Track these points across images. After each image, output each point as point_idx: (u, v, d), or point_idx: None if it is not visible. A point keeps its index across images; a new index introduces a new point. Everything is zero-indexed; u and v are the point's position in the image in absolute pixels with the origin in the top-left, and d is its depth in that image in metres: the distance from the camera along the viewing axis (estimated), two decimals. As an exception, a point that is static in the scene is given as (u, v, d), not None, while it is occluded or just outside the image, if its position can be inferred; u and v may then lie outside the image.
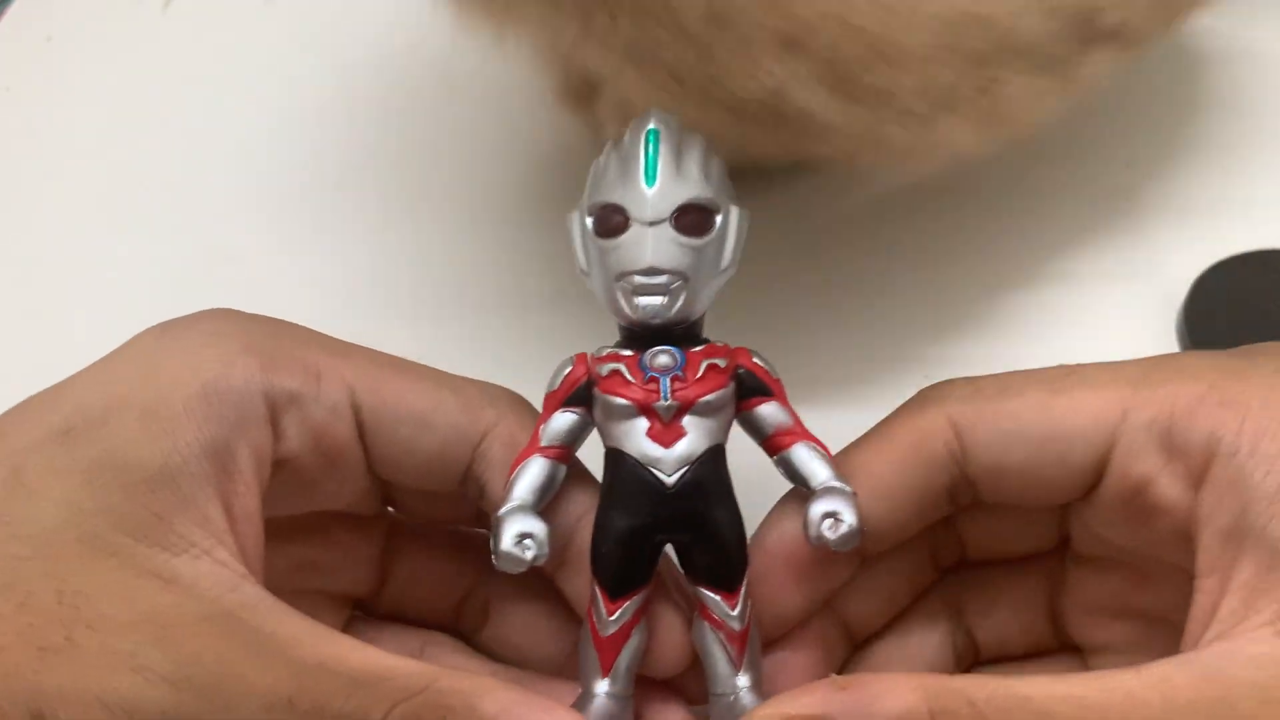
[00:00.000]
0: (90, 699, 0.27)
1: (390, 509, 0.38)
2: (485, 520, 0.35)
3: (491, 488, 0.34)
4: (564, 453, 0.34)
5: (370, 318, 0.37)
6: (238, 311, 0.35)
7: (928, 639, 0.37)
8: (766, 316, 0.47)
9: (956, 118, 0.43)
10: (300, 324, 0.35)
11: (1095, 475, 0.32)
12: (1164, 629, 0.33)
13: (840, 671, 0.36)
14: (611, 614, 0.32)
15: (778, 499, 0.35)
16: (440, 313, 0.52)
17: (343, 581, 0.38)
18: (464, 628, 0.39)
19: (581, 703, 0.33)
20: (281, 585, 0.30)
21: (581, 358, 0.34)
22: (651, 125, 0.33)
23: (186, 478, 0.30)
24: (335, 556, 0.37)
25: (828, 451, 0.34)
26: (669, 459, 0.32)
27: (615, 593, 0.32)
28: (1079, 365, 0.33)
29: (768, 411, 0.34)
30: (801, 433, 0.34)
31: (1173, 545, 0.31)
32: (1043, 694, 0.27)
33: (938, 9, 0.40)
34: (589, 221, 0.33)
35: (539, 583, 0.37)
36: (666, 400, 0.32)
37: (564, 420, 0.34)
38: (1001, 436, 0.32)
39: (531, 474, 0.33)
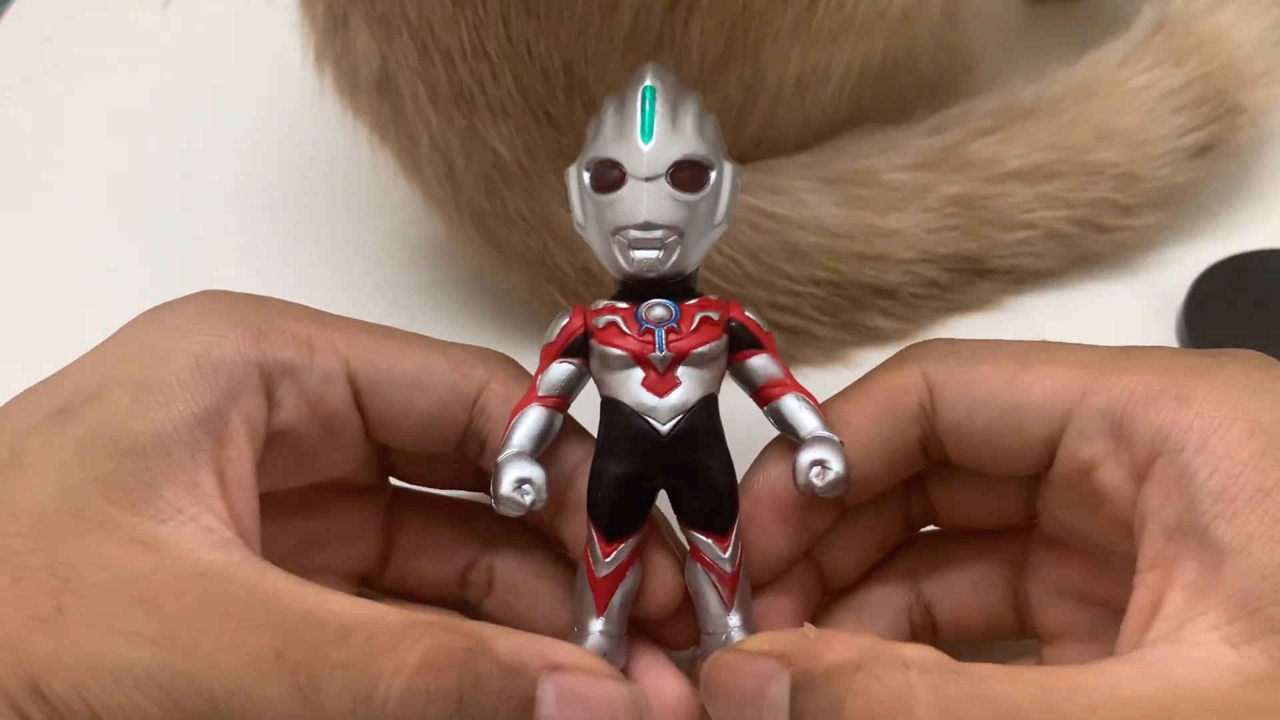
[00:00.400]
0: (80, 665, 0.28)
1: (391, 479, 0.39)
2: (486, 482, 0.35)
3: (492, 442, 0.35)
4: (561, 402, 0.34)
5: (373, 314, 0.37)
6: (227, 291, 0.35)
7: (886, 607, 0.37)
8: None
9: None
10: (290, 300, 0.35)
11: (1049, 452, 0.33)
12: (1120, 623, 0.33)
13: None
14: (607, 555, 0.33)
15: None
16: (457, 311, 0.52)
17: (348, 556, 0.38)
18: (470, 598, 0.39)
19: (576, 640, 0.34)
20: (288, 563, 0.30)
21: (579, 310, 0.35)
22: (648, 82, 0.34)
23: (177, 446, 0.31)
24: (338, 529, 0.38)
25: (816, 402, 0.34)
26: (663, 408, 0.33)
27: (610, 535, 0.33)
28: (1054, 343, 0.34)
29: (759, 364, 0.35)
30: (791, 384, 0.34)
31: (1117, 534, 0.32)
32: (988, 674, 0.27)
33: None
34: (586, 176, 0.34)
35: (542, 550, 0.38)
36: (662, 351, 0.33)
37: (561, 370, 0.34)
38: (967, 400, 0.33)
39: (529, 422, 0.34)
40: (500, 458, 0.33)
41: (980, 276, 0.49)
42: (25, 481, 0.30)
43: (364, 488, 0.38)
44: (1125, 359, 0.32)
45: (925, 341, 0.35)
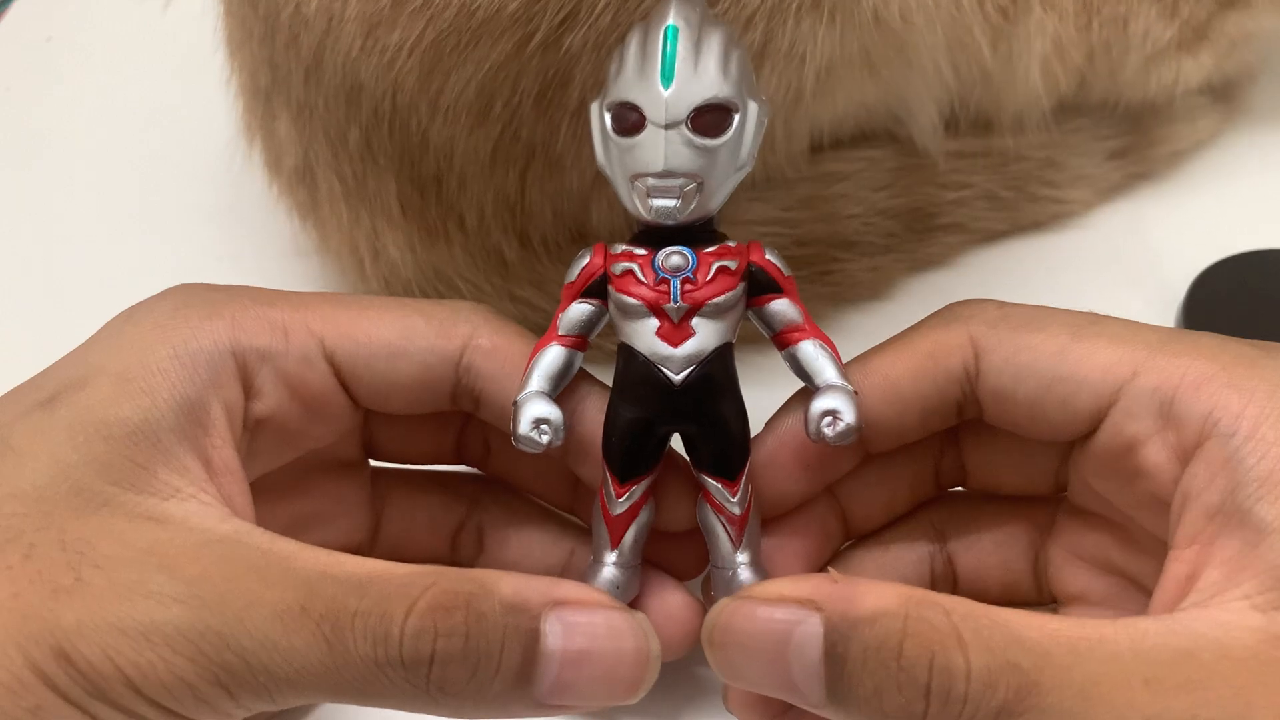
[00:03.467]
0: (108, 627, 0.28)
1: (372, 462, 0.39)
2: (466, 455, 0.38)
3: (486, 397, 0.35)
4: (580, 341, 0.34)
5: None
6: (201, 284, 0.35)
7: (907, 555, 0.37)
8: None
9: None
10: (258, 287, 0.35)
11: (1092, 425, 0.32)
12: (1139, 593, 0.34)
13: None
14: (619, 495, 0.33)
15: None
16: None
17: (338, 533, 0.38)
18: (461, 560, 0.39)
19: (592, 571, 0.34)
20: None
21: (599, 249, 0.34)
22: (670, 21, 0.32)
23: (164, 432, 0.31)
24: (327, 507, 0.38)
25: (834, 349, 0.34)
26: (677, 357, 0.33)
27: (623, 477, 0.33)
28: (1106, 317, 0.33)
29: (778, 308, 0.34)
30: (811, 329, 0.34)
31: (1149, 511, 0.32)
32: (1017, 619, 0.28)
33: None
34: (607, 118, 0.33)
35: (527, 505, 0.39)
36: (676, 302, 0.32)
37: (580, 310, 0.34)
38: (1015, 367, 0.33)
39: (547, 361, 0.34)
40: (518, 397, 0.33)
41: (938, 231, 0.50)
42: (18, 464, 0.30)
43: (348, 464, 0.38)
44: (1176, 342, 0.32)
45: (974, 301, 0.35)
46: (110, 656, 0.28)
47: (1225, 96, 0.53)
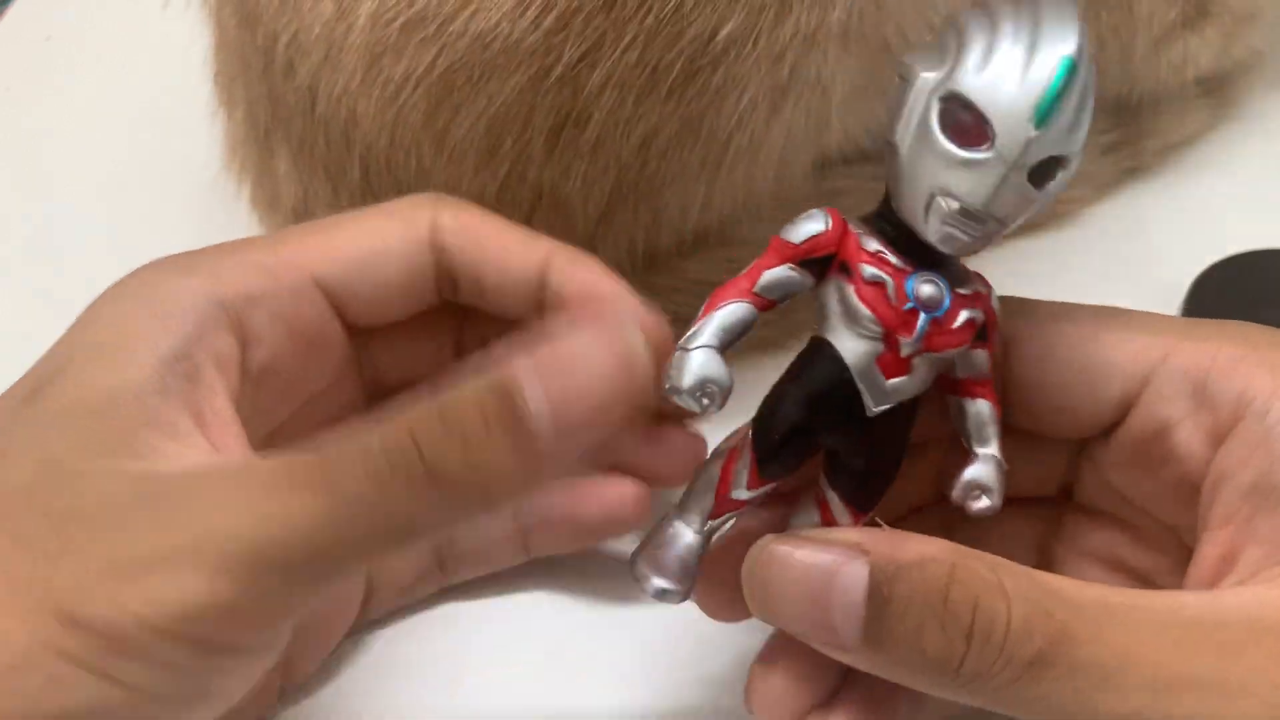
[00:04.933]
0: (105, 574, 0.26)
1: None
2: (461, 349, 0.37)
3: (464, 275, 0.34)
4: (770, 305, 0.30)
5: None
6: (171, 255, 0.34)
7: None
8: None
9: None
10: (235, 239, 0.35)
11: (1121, 412, 0.32)
12: (1149, 589, 0.33)
13: None
14: (752, 488, 0.31)
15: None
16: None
17: None
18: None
19: (668, 521, 0.31)
20: None
21: (839, 221, 0.30)
22: (1070, 51, 0.27)
23: (148, 392, 0.29)
24: None
25: (1001, 415, 0.32)
26: (883, 391, 0.29)
27: (767, 474, 0.30)
28: (1129, 309, 0.33)
29: (977, 358, 0.31)
30: (991, 389, 0.31)
31: (1173, 500, 0.32)
32: (1055, 580, 0.28)
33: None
34: (936, 105, 0.27)
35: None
36: (917, 342, 0.29)
37: (788, 278, 0.29)
38: (1042, 356, 0.32)
39: (730, 314, 0.29)
40: (690, 344, 0.29)
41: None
42: (6, 467, 0.29)
43: (350, 414, 0.37)
44: (1202, 328, 0.32)
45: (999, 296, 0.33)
46: (119, 604, 0.26)
47: (1216, 90, 0.53)
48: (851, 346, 0.29)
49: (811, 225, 0.29)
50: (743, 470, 0.31)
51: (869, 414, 0.29)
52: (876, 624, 0.27)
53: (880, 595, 0.27)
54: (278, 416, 0.34)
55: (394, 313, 0.35)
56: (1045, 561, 0.36)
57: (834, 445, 0.31)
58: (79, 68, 0.63)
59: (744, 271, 0.30)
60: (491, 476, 0.27)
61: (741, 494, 0.31)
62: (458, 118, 0.37)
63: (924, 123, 0.28)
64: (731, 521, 0.32)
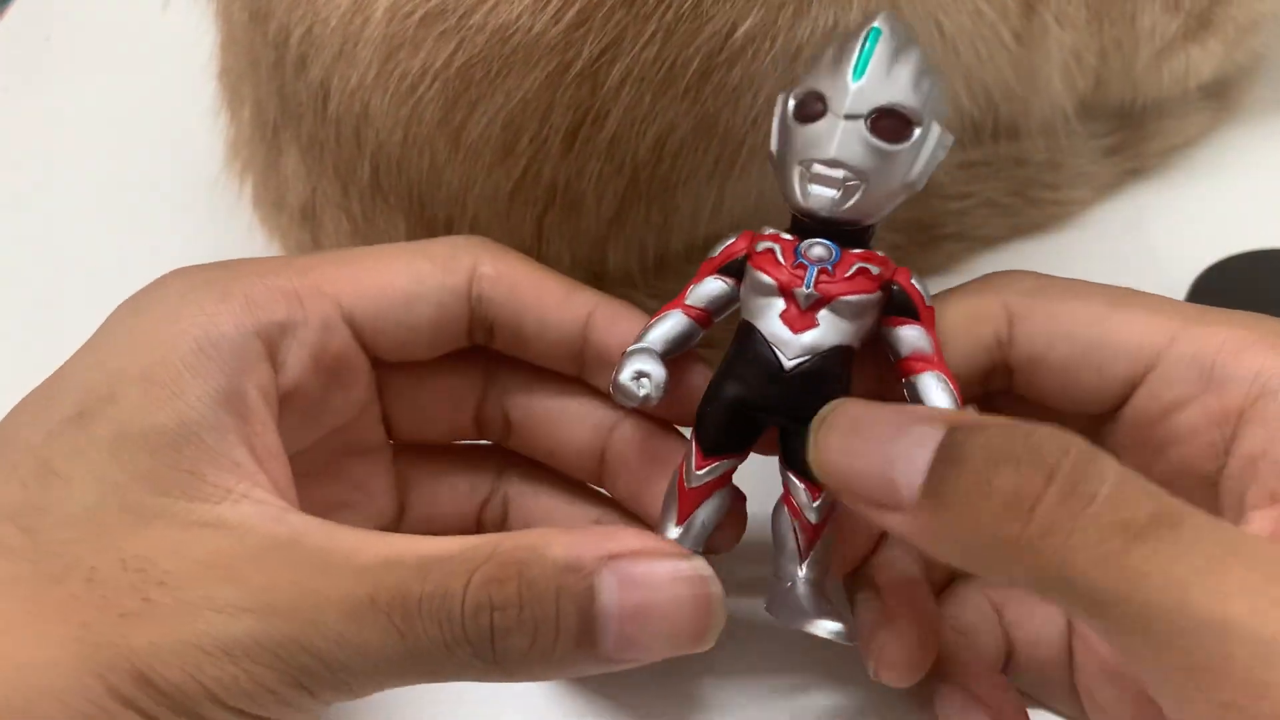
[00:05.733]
0: (183, 646, 0.27)
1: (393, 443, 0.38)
2: (486, 428, 0.36)
3: (499, 325, 0.34)
4: (704, 316, 0.33)
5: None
6: (196, 266, 0.34)
7: None
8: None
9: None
10: (256, 257, 0.35)
11: (1125, 392, 0.32)
12: None
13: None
14: (700, 469, 0.32)
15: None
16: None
17: (367, 516, 0.37)
18: (488, 529, 0.38)
19: None
20: None
21: (746, 234, 0.33)
22: (876, 24, 0.32)
23: (206, 430, 0.30)
24: (354, 491, 0.37)
25: (957, 389, 0.32)
26: (793, 344, 0.31)
27: (707, 450, 0.32)
28: (1141, 291, 0.33)
29: (909, 334, 0.32)
30: (938, 363, 0.32)
31: (1180, 481, 0.31)
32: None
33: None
34: (791, 104, 0.32)
35: (551, 474, 0.37)
36: (808, 289, 0.31)
37: (712, 286, 0.33)
38: (1051, 332, 0.32)
39: (667, 324, 0.33)
40: (628, 348, 0.32)
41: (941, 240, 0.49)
42: (65, 489, 0.29)
43: (370, 447, 0.37)
44: (1213, 314, 0.32)
45: (1010, 271, 0.34)
46: (191, 674, 0.27)
47: (1218, 94, 0.52)
48: (760, 313, 0.32)
49: (726, 240, 0.33)
50: (690, 459, 0.32)
51: (785, 369, 0.31)
52: (940, 471, 0.26)
53: (952, 447, 0.26)
54: (298, 443, 0.34)
55: (422, 353, 0.35)
56: None
57: (774, 422, 0.32)
58: (79, 68, 0.62)
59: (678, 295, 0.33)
60: (547, 669, 0.28)
61: (695, 480, 0.32)
62: (474, 114, 0.36)
63: (784, 120, 0.32)
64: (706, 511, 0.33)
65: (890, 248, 0.46)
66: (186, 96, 0.58)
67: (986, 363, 0.33)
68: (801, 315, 0.31)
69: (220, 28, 0.45)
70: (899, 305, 0.32)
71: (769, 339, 0.31)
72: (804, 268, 0.31)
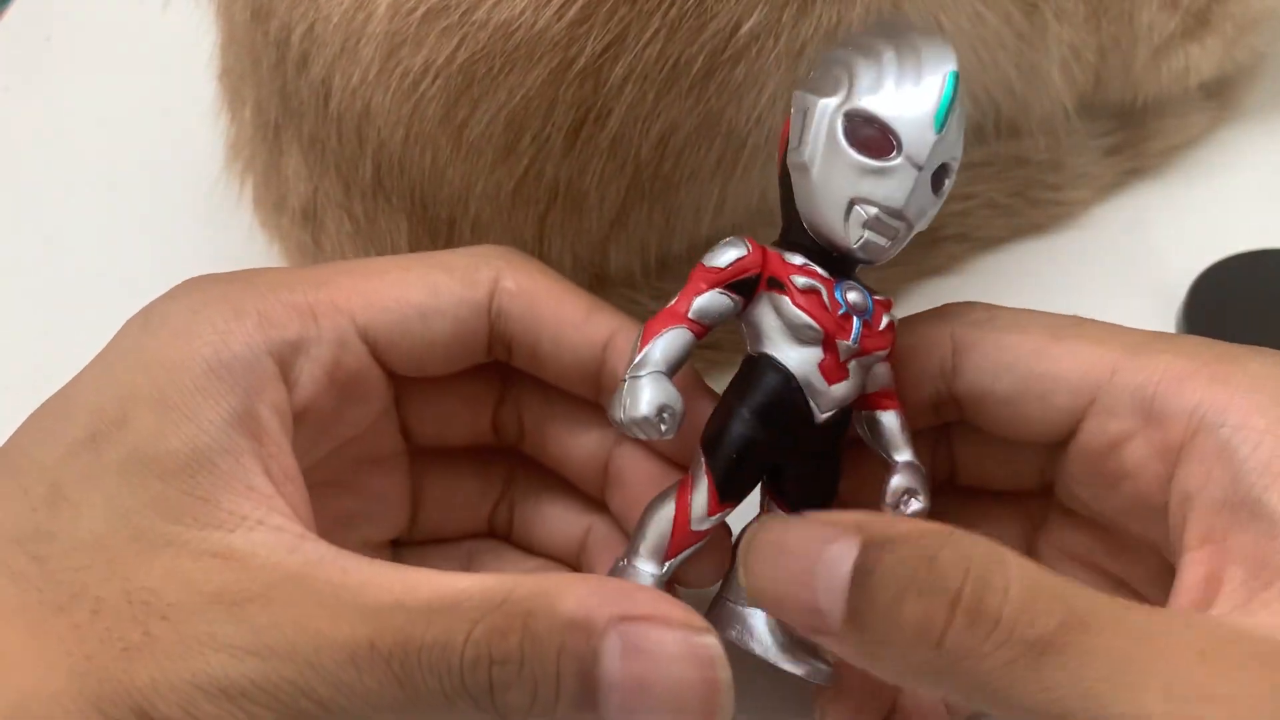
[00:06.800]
0: (183, 685, 0.27)
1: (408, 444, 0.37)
2: (502, 432, 0.36)
3: (518, 341, 0.33)
4: (704, 331, 0.31)
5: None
6: (208, 277, 0.33)
7: None
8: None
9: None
10: (269, 267, 0.33)
11: (1070, 424, 0.31)
12: (1132, 597, 0.32)
13: None
14: (713, 513, 0.31)
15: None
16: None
17: (380, 526, 0.37)
18: (498, 530, 0.38)
19: (627, 573, 0.31)
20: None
21: (759, 248, 0.31)
22: (953, 67, 0.30)
23: (219, 454, 0.29)
24: (369, 502, 0.36)
25: (907, 423, 0.32)
26: (828, 396, 0.30)
27: (727, 495, 0.31)
28: (1088, 320, 0.32)
29: (881, 371, 0.32)
30: (895, 398, 0.32)
31: (1134, 513, 0.31)
32: (1068, 579, 0.26)
33: None
34: (840, 122, 0.30)
35: (554, 480, 0.36)
36: (854, 343, 0.30)
37: (720, 302, 0.31)
38: (994, 365, 0.32)
39: (671, 342, 0.30)
40: (639, 372, 0.30)
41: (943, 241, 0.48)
42: (75, 514, 0.28)
43: (387, 455, 0.36)
44: (1155, 342, 0.31)
45: (964, 303, 0.34)
46: (190, 712, 0.27)
47: (1218, 93, 0.52)
48: (794, 356, 0.30)
49: (734, 250, 0.31)
50: (700, 498, 0.31)
51: (817, 421, 0.30)
52: (859, 597, 0.25)
53: (865, 568, 0.25)
54: (311, 458, 0.33)
55: (439, 368, 0.34)
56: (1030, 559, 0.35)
57: (781, 462, 0.31)
58: (79, 68, 0.62)
59: (673, 301, 0.31)
60: None
61: (703, 524, 0.31)
62: (477, 111, 0.36)
63: (831, 141, 0.29)
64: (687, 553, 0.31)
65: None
66: (187, 97, 0.58)
67: (933, 393, 0.33)
68: (838, 366, 0.30)
69: (221, 27, 0.45)
70: None
71: (804, 389, 0.30)
72: (850, 319, 0.30)
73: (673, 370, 0.30)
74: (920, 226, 0.31)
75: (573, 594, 0.27)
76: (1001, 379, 0.32)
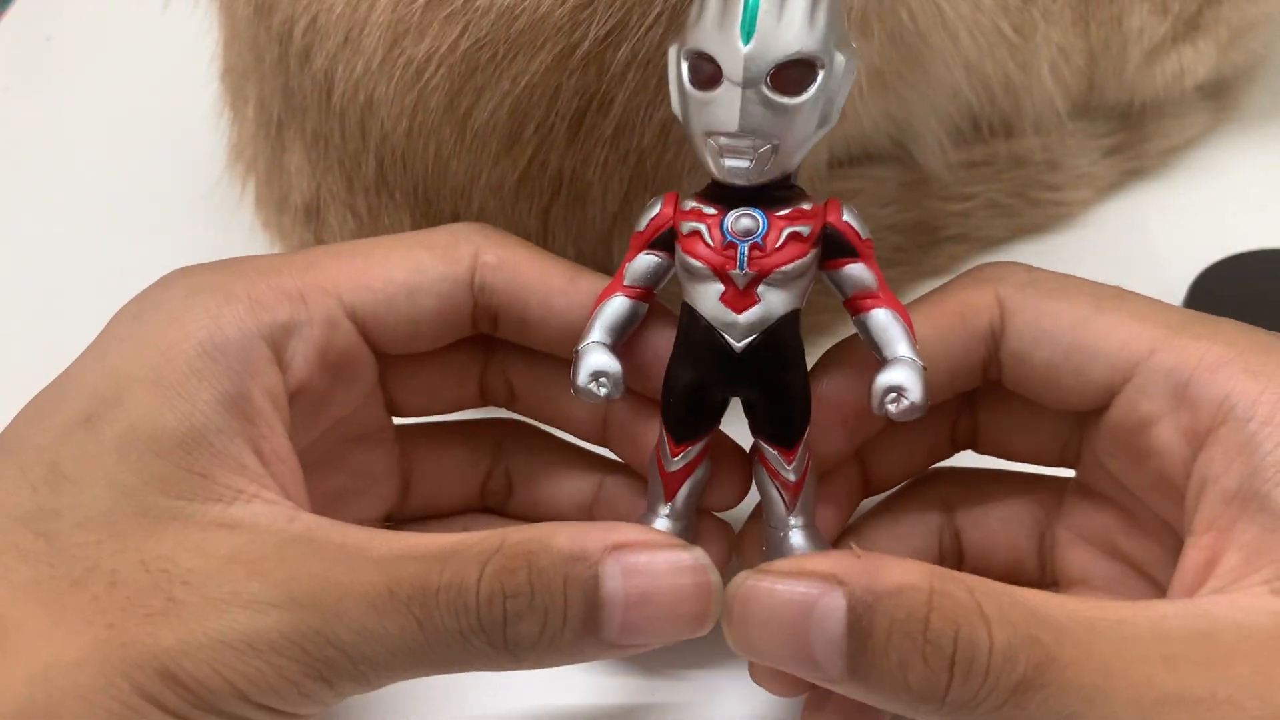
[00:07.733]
0: (210, 643, 0.28)
1: (398, 421, 0.38)
2: (490, 395, 0.36)
3: (504, 315, 0.34)
4: (644, 293, 0.32)
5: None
6: (197, 266, 0.33)
7: (919, 527, 0.36)
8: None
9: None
10: (257, 254, 0.34)
11: (1105, 398, 0.32)
12: (1142, 580, 0.34)
13: (835, 544, 0.36)
14: (675, 455, 0.32)
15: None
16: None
17: (372, 502, 0.37)
18: (491, 504, 0.39)
19: (645, 521, 0.33)
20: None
21: (670, 198, 0.32)
22: None
23: (213, 433, 0.30)
24: (359, 479, 0.37)
25: (907, 319, 0.31)
26: (739, 324, 0.30)
27: (679, 438, 0.32)
28: (1131, 293, 0.33)
29: (853, 273, 0.31)
30: (885, 298, 0.31)
31: (1158, 493, 0.31)
32: (1036, 598, 0.27)
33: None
34: (684, 67, 0.30)
35: (553, 442, 0.38)
36: (742, 270, 0.30)
37: (646, 262, 0.32)
38: (1036, 331, 0.32)
39: (610, 311, 0.32)
40: (579, 346, 0.32)
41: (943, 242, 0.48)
42: (76, 493, 0.29)
43: (374, 432, 0.37)
44: (1196, 324, 0.31)
45: (1003, 263, 0.34)
46: (218, 670, 0.27)
47: (1217, 94, 0.52)
48: (700, 297, 0.31)
49: (650, 210, 0.32)
50: (665, 447, 0.32)
51: (737, 350, 0.30)
52: (859, 657, 0.27)
53: (860, 629, 0.27)
54: (306, 438, 0.33)
55: (425, 344, 0.35)
56: (1043, 547, 0.36)
57: (735, 395, 0.32)
58: (79, 68, 0.62)
59: (616, 273, 0.32)
60: (555, 655, 0.29)
61: (673, 465, 0.32)
62: (480, 100, 0.36)
63: (680, 85, 0.30)
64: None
65: (892, 249, 0.47)
66: (188, 97, 0.58)
67: (984, 354, 0.33)
68: (741, 295, 0.30)
69: (223, 25, 0.45)
70: (836, 246, 0.31)
71: (714, 323, 0.31)
72: (733, 247, 0.30)
73: (618, 336, 0.32)
74: (807, 133, 0.30)
75: (563, 534, 0.29)
76: (1041, 347, 0.32)
